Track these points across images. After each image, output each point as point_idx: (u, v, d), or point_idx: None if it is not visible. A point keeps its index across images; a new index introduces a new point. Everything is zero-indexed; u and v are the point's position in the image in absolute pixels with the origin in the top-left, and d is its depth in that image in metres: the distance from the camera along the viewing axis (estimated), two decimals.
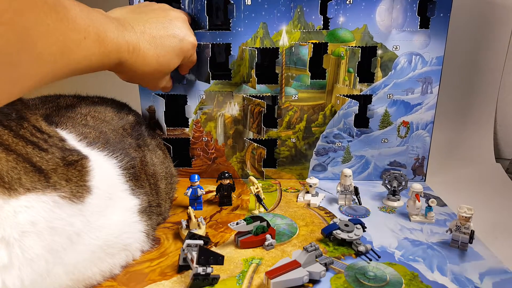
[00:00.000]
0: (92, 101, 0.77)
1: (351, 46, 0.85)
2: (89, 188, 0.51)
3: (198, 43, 0.83)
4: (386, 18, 0.83)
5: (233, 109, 0.90)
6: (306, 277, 0.54)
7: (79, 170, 0.51)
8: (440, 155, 1.12)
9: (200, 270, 0.54)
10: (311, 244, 0.57)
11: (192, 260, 0.55)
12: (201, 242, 0.56)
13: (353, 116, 0.88)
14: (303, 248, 0.57)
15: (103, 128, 0.67)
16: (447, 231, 0.67)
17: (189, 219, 0.68)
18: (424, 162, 0.92)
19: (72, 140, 0.56)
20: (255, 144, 0.92)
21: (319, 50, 0.86)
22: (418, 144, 0.91)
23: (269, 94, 0.88)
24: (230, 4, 0.83)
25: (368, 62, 0.86)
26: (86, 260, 0.51)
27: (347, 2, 0.82)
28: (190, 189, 0.76)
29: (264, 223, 0.66)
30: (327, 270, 0.57)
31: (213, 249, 0.63)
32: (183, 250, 0.57)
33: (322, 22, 0.84)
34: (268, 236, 0.65)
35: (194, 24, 0.84)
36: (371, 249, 0.64)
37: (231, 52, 0.86)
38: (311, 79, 0.87)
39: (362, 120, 0.90)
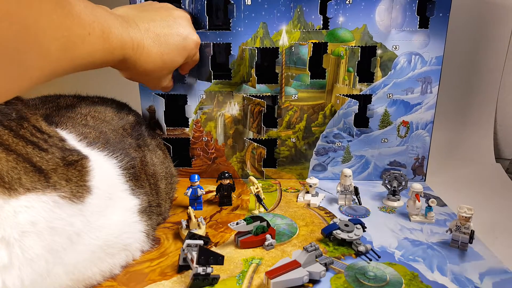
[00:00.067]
0: (92, 101, 0.77)
1: (351, 46, 0.85)
2: (89, 188, 0.51)
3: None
4: (385, 18, 0.83)
5: (233, 109, 0.90)
6: (306, 277, 0.54)
7: (79, 170, 0.51)
8: (440, 155, 1.12)
9: (200, 270, 0.54)
10: (311, 244, 0.57)
11: (192, 260, 0.55)
12: (201, 242, 0.56)
13: (353, 115, 0.88)
14: (303, 248, 0.57)
15: (103, 128, 0.67)
16: (447, 231, 0.67)
17: (189, 219, 0.68)
18: (424, 162, 0.92)
19: (72, 140, 0.56)
20: (255, 143, 0.92)
21: (319, 49, 0.86)
22: (418, 144, 0.91)
23: (269, 93, 0.88)
24: (230, 4, 0.83)
25: (368, 61, 0.86)
26: (86, 260, 0.51)
27: (347, 2, 0.82)
28: (190, 189, 0.76)
29: (264, 223, 0.66)
30: (327, 270, 0.57)
31: (213, 249, 0.63)
32: (183, 250, 0.57)
33: (321, 22, 0.84)
34: (268, 236, 0.65)
35: (195, 24, 0.84)
36: (371, 249, 0.64)
37: (231, 51, 0.86)
38: (311, 78, 0.87)
39: (362, 120, 0.90)
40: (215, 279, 0.56)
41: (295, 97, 0.88)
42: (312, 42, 0.85)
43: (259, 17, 0.83)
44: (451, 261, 0.61)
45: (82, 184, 0.50)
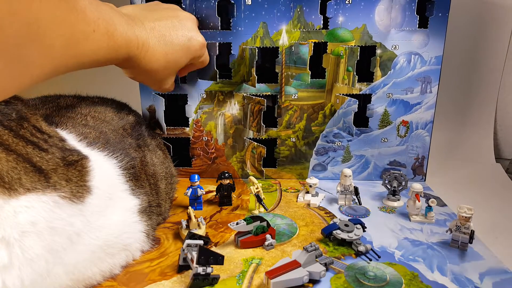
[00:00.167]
0: (92, 101, 0.77)
1: (350, 46, 0.85)
2: (89, 188, 0.51)
3: None
4: (385, 18, 0.83)
5: (233, 108, 0.90)
6: (306, 277, 0.54)
7: (79, 170, 0.51)
8: (440, 155, 1.13)
9: (200, 270, 0.54)
10: (311, 244, 0.57)
11: (192, 260, 0.55)
12: (201, 242, 0.56)
13: (352, 114, 0.88)
14: (303, 248, 0.57)
15: (103, 128, 0.67)
16: (447, 231, 0.67)
17: (189, 219, 0.68)
18: (424, 161, 0.92)
19: (72, 140, 0.56)
20: (255, 143, 0.92)
21: (319, 49, 0.86)
22: (417, 143, 0.91)
23: (269, 93, 0.88)
24: (230, 4, 0.83)
25: (368, 61, 0.86)
26: (86, 260, 0.51)
27: (346, 2, 0.82)
28: (190, 189, 0.76)
29: (264, 223, 0.66)
30: (327, 270, 0.57)
31: (213, 249, 0.63)
32: (183, 250, 0.57)
33: (321, 22, 0.84)
34: (268, 236, 0.65)
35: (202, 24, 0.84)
36: (371, 249, 0.64)
37: (232, 51, 0.86)
38: (311, 78, 0.87)
39: (361, 120, 0.90)
40: (215, 279, 0.56)
41: (295, 97, 0.88)
42: (312, 42, 0.85)
43: (259, 16, 0.83)
44: (451, 261, 0.61)
45: (82, 184, 0.50)
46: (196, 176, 0.76)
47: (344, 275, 0.57)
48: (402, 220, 0.75)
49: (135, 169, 0.64)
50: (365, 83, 0.87)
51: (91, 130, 0.63)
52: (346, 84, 0.87)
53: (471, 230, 0.63)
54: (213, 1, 0.83)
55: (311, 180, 0.81)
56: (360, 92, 0.87)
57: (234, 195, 0.82)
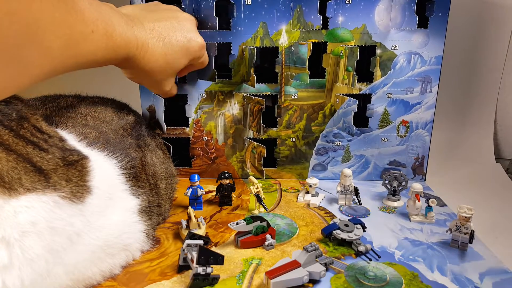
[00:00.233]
0: (92, 101, 0.77)
1: (350, 46, 0.85)
2: (89, 188, 0.51)
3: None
4: (385, 18, 0.83)
5: (233, 108, 0.90)
6: (306, 277, 0.54)
7: (79, 170, 0.51)
8: (440, 155, 1.13)
9: (200, 270, 0.54)
10: (311, 244, 0.57)
11: (192, 260, 0.55)
12: (201, 242, 0.56)
13: (352, 114, 0.88)
14: (303, 248, 0.57)
15: (103, 128, 0.67)
16: (447, 231, 0.67)
17: (189, 219, 0.68)
18: (424, 161, 0.92)
19: (72, 140, 0.56)
20: (255, 143, 0.92)
21: (318, 49, 0.86)
22: (417, 143, 0.91)
23: (269, 93, 0.88)
24: (230, 4, 0.83)
25: (367, 61, 0.86)
26: (86, 260, 0.51)
27: (346, 2, 0.82)
28: (190, 189, 0.76)
29: (264, 223, 0.66)
30: (327, 270, 0.57)
31: (213, 249, 0.63)
32: (183, 250, 0.57)
33: (321, 22, 0.84)
34: (268, 236, 0.65)
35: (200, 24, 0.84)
36: (371, 249, 0.64)
37: (231, 51, 0.86)
38: (310, 78, 0.87)
39: (361, 119, 0.90)
40: (215, 279, 0.56)
41: (295, 97, 0.88)
42: (311, 42, 0.85)
43: (259, 16, 0.83)
44: (451, 261, 0.61)
45: (82, 184, 0.50)
46: (196, 176, 0.76)
47: (344, 275, 0.57)
48: (402, 220, 0.75)
49: (135, 169, 0.64)
50: (365, 83, 0.87)
51: (91, 130, 0.63)
52: (346, 84, 0.87)
53: (471, 230, 0.63)
54: (211, 1, 0.83)
55: (311, 180, 0.81)
56: (360, 92, 0.87)
57: (234, 195, 0.82)
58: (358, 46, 0.85)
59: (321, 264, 0.57)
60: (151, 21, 0.67)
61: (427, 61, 0.85)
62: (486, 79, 1.19)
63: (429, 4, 0.82)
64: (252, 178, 0.77)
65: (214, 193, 0.83)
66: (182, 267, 0.59)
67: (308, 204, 0.81)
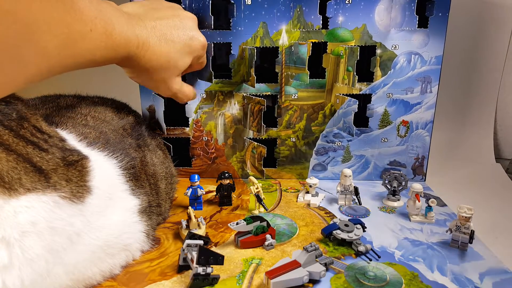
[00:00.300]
0: (92, 101, 0.77)
1: (350, 46, 0.85)
2: (89, 188, 0.51)
3: None
4: (385, 18, 0.83)
5: (233, 108, 0.90)
6: (306, 277, 0.54)
7: (79, 170, 0.51)
8: (440, 155, 1.13)
9: (200, 270, 0.54)
10: (311, 244, 0.57)
11: (192, 260, 0.55)
12: (201, 242, 0.56)
13: (352, 114, 0.88)
14: (303, 248, 0.57)
15: (103, 128, 0.67)
16: (447, 231, 0.67)
17: (189, 219, 0.68)
18: (424, 161, 0.92)
19: (72, 140, 0.56)
20: (255, 143, 0.92)
21: (318, 49, 0.86)
22: (418, 143, 0.91)
23: (269, 93, 0.88)
24: (230, 4, 0.83)
25: (367, 61, 0.86)
26: (86, 260, 0.51)
27: (346, 2, 0.82)
28: (190, 189, 0.76)
29: (264, 223, 0.66)
30: (327, 270, 0.57)
31: (213, 249, 0.63)
32: (183, 250, 0.57)
33: (321, 22, 0.84)
34: (268, 236, 0.65)
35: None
36: (371, 249, 0.64)
37: (231, 51, 0.86)
38: (310, 78, 0.87)
39: (361, 120, 0.90)
40: (215, 279, 0.56)
41: (295, 97, 0.88)
42: (311, 42, 0.85)
43: (259, 16, 0.83)
44: (451, 261, 0.61)
45: (82, 184, 0.50)
46: (196, 176, 0.76)
47: (344, 275, 0.57)
48: (402, 220, 0.75)
49: (135, 169, 0.64)
50: (365, 83, 0.87)
51: (91, 130, 0.63)
52: (346, 84, 0.87)
53: (471, 230, 0.63)
54: (207, 1, 0.83)
55: (311, 180, 0.81)
56: (360, 92, 0.87)
57: (234, 195, 0.82)
58: (358, 46, 0.85)
59: (321, 264, 0.57)
60: (152, 19, 0.67)
61: (427, 61, 0.85)
62: (486, 79, 1.19)
63: (429, 4, 0.82)
64: (252, 178, 0.77)
65: (214, 193, 0.83)
66: (182, 267, 0.59)
67: (308, 204, 0.81)
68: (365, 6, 0.82)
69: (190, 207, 0.71)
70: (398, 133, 0.90)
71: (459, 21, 1.11)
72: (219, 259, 0.55)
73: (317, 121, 0.90)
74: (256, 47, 0.85)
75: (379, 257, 0.62)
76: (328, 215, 0.77)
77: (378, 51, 0.85)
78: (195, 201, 0.78)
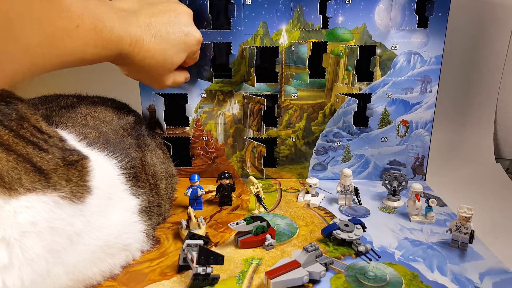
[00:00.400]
0: (92, 101, 0.77)
1: (350, 45, 0.85)
2: (90, 188, 0.51)
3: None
4: (384, 18, 0.83)
5: (233, 107, 0.90)
6: (306, 277, 0.54)
7: (80, 170, 0.51)
8: (440, 155, 1.12)
9: (200, 270, 0.54)
10: (311, 244, 0.57)
11: (192, 260, 0.55)
12: (201, 242, 0.56)
13: (352, 114, 0.88)
14: (303, 248, 0.57)
15: (103, 128, 0.67)
16: (447, 231, 0.67)
17: (189, 219, 0.68)
18: (424, 161, 0.92)
19: (72, 140, 0.56)
20: (255, 142, 0.92)
21: (318, 49, 0.86)
22: (417, 143, 0.91)
23: (269, 92, 0.88)
24: (230, 4, 0.83)
25: (367, 61, 0.86)
26: (86, 260, 0.51)
27: (346, 2, 0.82)
28: (190, 189, 0.76)
29: (264, 223, 0.66)
30: (327, 270, 0.57)
31: (213, 249, 0.63)
32: (183, 250, 0.57)
33: (321, 22, 0.84)
34: (268, 236, 0.65)
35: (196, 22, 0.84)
36: (371, 249, 0.64)
37: (232, 51, 0.86)
38: (310, 78, 0.87)
39: (361, 119, 0.90)
40: (215, 279, 0.56)
41: (295, 96, 0.88)
42: (311, 42, 0.85)
43: (259, 16, 0.83)
44: (451, 261, 0.61)
45: (82, 184, 0.50)
46: (196, 176, 0.76)
47: (344, 275, 0.57)
48: (402, 220, 0.75)
49: (135, 169, 0.64)
50: (365, 82, 0.87)
51: (91, 130, 0.63)
52: (346, 83, 0.87)
53: (471, 230, 0.63)
54: (206, 1, 0.83)
55: (311, 180, 0.81)
56: (360, 92, 0.87)
57: (234, 195, 0.82)
58: (358, 45, 0.85)
59: (321, 264, 0.57)
60: (147, 15, 0.66)
61: (427, 61, 0.85)
62: (486, 79, 1.19)
63: (429, 4, 0.82)
64: (252, 178, 0.77)
65: (214, 193, 0.82)
66: (182, 267, 0.59)
67: (308, 204, 0.81)
68: (365, 6, 0.82)
69: (190, 207, 0.71)
70: (398, 132, 0.90)
71: (458, 21, 1.11)
72: (219, 259, 0.55)
73: (317, 121, 0.90)
74: (256, 46, 0.85)
75: (379, 257, 0.62)
76: (328, 215, 0.77)
77: (378, 51, 0.85)
78: (195, 201, 0.78)
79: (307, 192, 0.82)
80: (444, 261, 0.61)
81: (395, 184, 0.81)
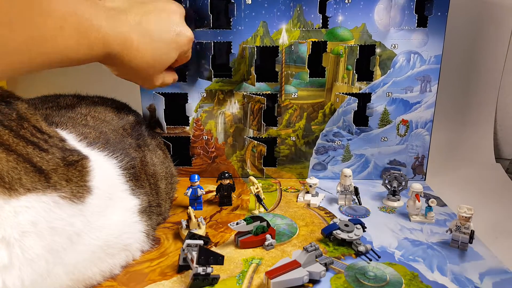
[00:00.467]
0: (92, 101, 0.77)
1: (350, 45, 0.85)
2: (90, 188, 0.51)
3: (200, 42, 0.84)
4: (384, 17, 0.83)
5: (233, 107, 0.90)
6: (306, 277, 0.54)
7: (80, 170, 0.51)
8: (440, 155, 1.12)
9: (200, 270, 0.54)
10: (311, 244, 0.57)
11: (192, 260, 0.55)
12: (201, 242, 0.56)
13: (352, 113, 0.88)
14: (303, 248, 0.57)
15: (103, 128, 0.67)
16: (447, 231, 0.67)
17: (189, 219, 0.68)
18: (424, 161, 0.92)
19: (72, 140, 0.56)
20: (255, 142, 0.92)
21: (317, 48, 0.86)
22: (417, 142, 0.91)
23: (269, 92, 0.88)
24: (231, 3, 0.83)
25: (367, 60, 0.86)
26: (86, 260, 0.51)
27: (346, 1, 0.82)
28: (190, 189, 0.76)
29: (264, 223, 0.66)
30: (327, 270, 0.57)
31: (213, 249, 0.63)
32: (183, 250, 0.57)
33: (321, 21, 0.84)
34: (268, 236, 0.65)
35: (196, 22, 0.84)
36: (371, 249, 0.64)
37: (232, 50, 0.86)
38: (310, 77, 0.87)
39: (361, 118, 0.90)
40: (215, 279, 0.56)
41: (295, 96, 0.88)
42: (311, 41, 0.85)
43: (259, 16, 0.83)
44: (451, 261, 0.61)
45: (82, 184, 0.50)
46: (196, 176, 0.76)
47: (344, 275, 0.57)
48: (402, 220, 0.75)
49: (135, 169, 0.64)
50: (365, 82, 0.87)
51: (91, 130, 0.63)
52: (345, 82, 0.87)
53: (471, 230, 0.63)
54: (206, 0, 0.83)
55: (311, 180, 0.81)
56: (360, 91, 0.87)
57: (234, 195, 0.82)
58: (357, 45, 0.85)
59: (321, 264, 0.57)
60: (138, 14, 0.64)
61: (426, 60, 0.85)
62: (486, 79, 1.19)
63: (428, 3, 0.82)
64: (252, 178, 0.77)
65: (214, 193, 0.82)
66: (182, 267, 0.59)
67: (308, 204, 0.81)
68: (364, 5, 0.82)
69: (190, 207, 0.71)
70: (398, 132, 0.90)
71: (458, 21, 1.11)
72: (219, 259, 0.55)
73: (317, 120, 0.90)
74: (256, 46, 0.85)
75: (379, 257, 0.62)
76: (328, 215, 0.77)
77: (378, 50, 0.85)
78: (195, 201, 0.78)
79: (307, 192, 0.82)
80: (444, 261, 0.61)
81: (395, 184, 0.81)
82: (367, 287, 0.55)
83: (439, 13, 0.82)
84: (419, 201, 0.74)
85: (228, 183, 0.79)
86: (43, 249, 0.45)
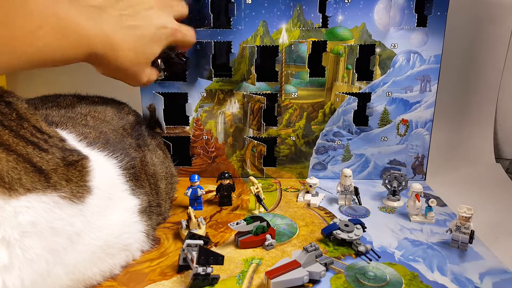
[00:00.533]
0: (92, 101, 0.77)
1: (350, 44, 0.85)
2: (90, 188, 0.51)
3: (200, 41, 0.84)
4: (384, 17, 0.83)
5: (233, 107, 0.90)
6: (306, 277, 0.54)
7: (80, 170, 0.51)
8: (440, 155, 1.12)
9: (200, 270, 0.54)
10: (311, 244, 0.57)
11: (192, 260, 0.55)
12: (201, 242, 0.56)
13: (352, 113, 0.88)
14: (303, 248, 0.57)
15: (103, 128, 0.67)
16: (447, 231, 0.67)
17: (189, 219, 0.68)
18: (424, 160, 0.92)
19: (72, 140, 0.56)
20: (255, 141, 0.91)
21: (317, 48, 0.86)
22: (417, 142, 0.91)
23: (269, 91, 0.88)
24: (231, 3, 0.83)
25: (367, 60, 0.86)
26: (86, 260, 0.51)
27: (346, 1, 0.82)
28: (190, 189, 0.76)
29: (264, 223, 0.66)
30: (327, 270, 0.57)
31: (213, 249, 0.63)
32: (183, 250, 0.57)
33: (321, 20, 0.84)
34: (268, 236, 0.65)
35: (197, 21, 0.84)
36: (371, 249, 0.64)
37: (232, 50, 0.86)
38: (310, 76, 0.87)
39: (361, 118, 0.90)
40: (215, 279, 0.56)
41: (295, 95, 0.88)
42: (311, 40, 0.85)
43: (259, 15, 0.83)
44: (451, 261, 0.61)
45: (82, 184, 0.50)
46: (196, 176, 0.76)
47: (344, 275, 0.57)
48: (402, 220, 0.75)
49: (135, 169, 0.64)
50: (365, 81, 0.87)
51: (91, 130, 0.63)
52: (345, 82, 0.87)
53: (471, 230, 0.63)
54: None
55: (311, 180, 0.81)
56: (360, 91, 0.87)
57: (234, 195, 0.82)
58: (357, 44, 0.85)
59: (321, 264, 0.57)
60: (118, 9, 0.63)
61: (426, 60, 0.85)
62: (486, 79, 1.19)
63: (428, 3, 0.82)
64: (252, 178, 0.77)
65: (214, 193, 0.82)
66: (182, 267, 0.59)
67: (308, 204, 0.81)
68: (364, 5, 0.82)
69: (190, 207, 0.71)
70: (397, 131, 0.90)
71: (457, 20, 1.11)
72: (219, 259, 0.55)
73: (317, 120, 0.90)
74: (256, 45, 0.85)
75: (379, 257, 0.62)
76: (328, 215, 0.77)
77: (378, 49, 0.85)
78: (195, 201, 0.78)
79: (307, 192, 0.82)
80: (444, 261, 0.61)
81: (395, 184, 0.81)
82: (367, 287, 0.55)
83: (438, 13, 0.82)
84: (419, 201, 0.74)
85: (228, 183, 0.79)
86: (43, 249, 0.45)
